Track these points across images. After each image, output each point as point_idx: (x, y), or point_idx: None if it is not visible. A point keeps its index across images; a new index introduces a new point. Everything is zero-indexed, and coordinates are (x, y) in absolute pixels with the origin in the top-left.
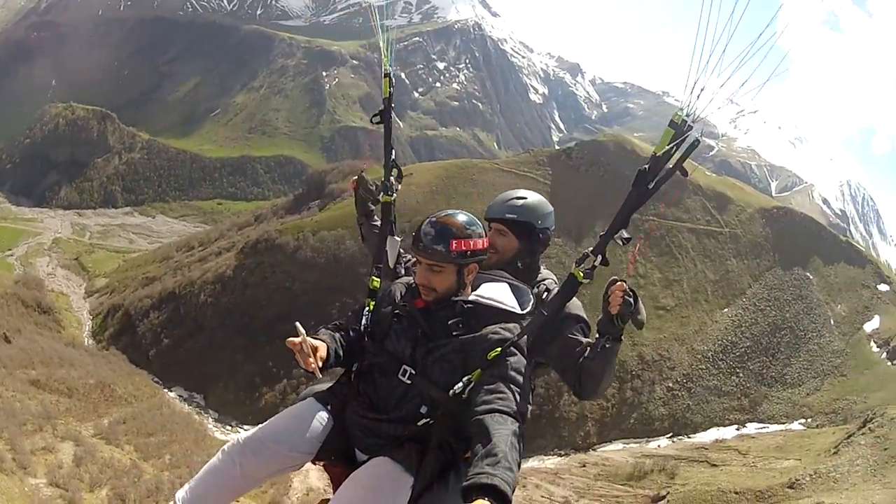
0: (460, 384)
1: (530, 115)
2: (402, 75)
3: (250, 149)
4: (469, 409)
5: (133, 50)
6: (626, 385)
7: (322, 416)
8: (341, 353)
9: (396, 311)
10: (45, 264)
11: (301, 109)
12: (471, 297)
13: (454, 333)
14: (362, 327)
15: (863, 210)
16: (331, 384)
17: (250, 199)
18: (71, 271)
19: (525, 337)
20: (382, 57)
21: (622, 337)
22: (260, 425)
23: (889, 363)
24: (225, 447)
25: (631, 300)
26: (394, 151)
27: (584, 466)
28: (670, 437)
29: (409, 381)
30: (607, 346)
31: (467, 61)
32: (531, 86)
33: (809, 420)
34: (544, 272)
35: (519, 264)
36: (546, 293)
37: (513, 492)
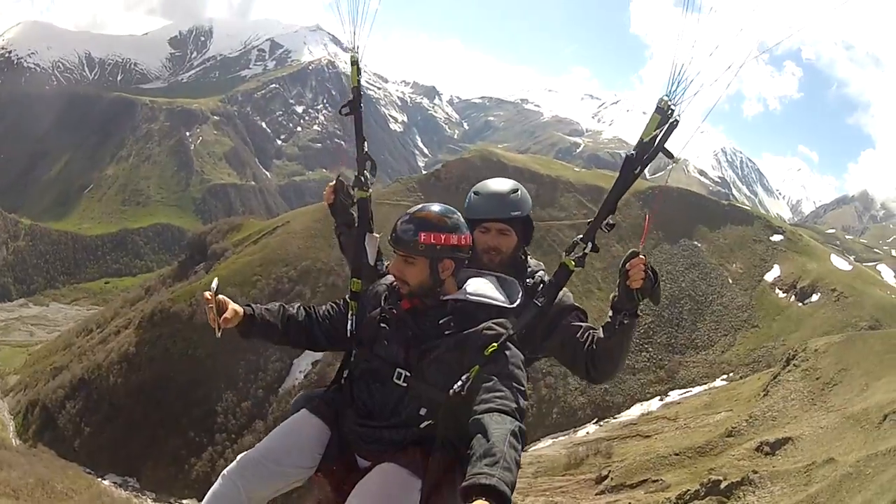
0: (459, 383)
1: (393, 144)
2: (263, 125)
3: (127, 221)
4: (469, 408)
5: (4, 130)
6: (540, 383)
7: (318, 428)
8: (279, 324)
9: (384, 315)
10: None
11: (170, 173)
12: (459, 296)
13: (446, 333)
14: (348, 332)
15: (743, 172)
16: (323, 391)
17: (135, 273)
18: None
19: (518, 330)
20: (351, 42)
21: (639, 312)
22: (259, 444)
23: (799, 304)
24: (225, 472)
25: (651, 273)
26: (366, 143)
27: (519, 468)
28: (596, 423)
29: (404, 385)
30: (626, 321)
31: (325, 101)
32: (390, 115)
33: (731, 374)
34: (532, 262)
35: (522, 256)
36: (541, 284)
37: (512, 491)
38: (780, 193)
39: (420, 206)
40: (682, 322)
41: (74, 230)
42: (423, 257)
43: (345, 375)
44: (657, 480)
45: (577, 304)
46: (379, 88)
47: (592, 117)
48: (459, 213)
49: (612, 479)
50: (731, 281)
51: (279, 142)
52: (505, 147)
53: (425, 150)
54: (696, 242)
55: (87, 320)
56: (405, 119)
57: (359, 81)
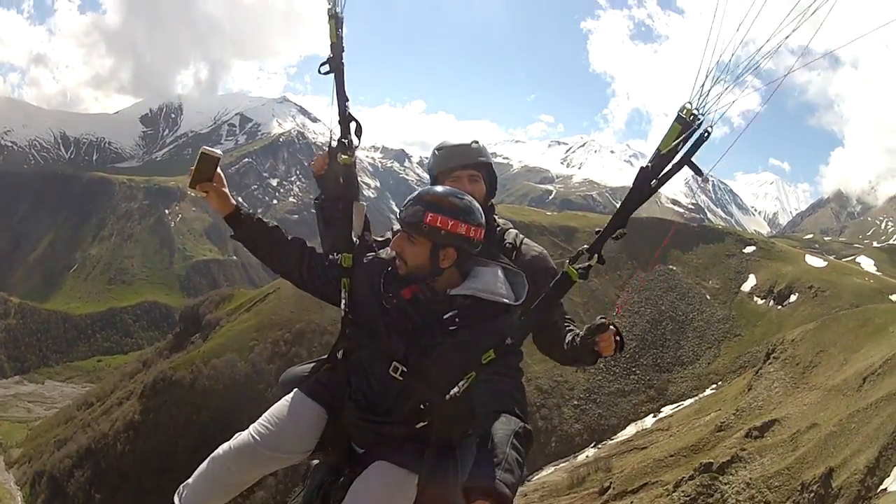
0: (456, 389)
1: (368, 211)
2: (240, 199)
3: (114, 300)
4: (468, 409)
5: None
6: (535, 415)
7: (317, 413)
8: (270, 232)
9: (383, 302)
10: None
11: (153, 251)
12: (465, 291)
13: (450, 328)
14: (343, 311)
15: (716, 196)
16: (312, 367)
17: (126, 350)
18: None
19: (516, 332)
20: None
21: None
22: (254, 426)
23: (778, 307)
24: (217, 454)
25: (620, 338)
26: (348, 104)
27: (524, 496)
28: (594, 446)
29: (400, 378)
30: (588, 361)
31: (298, 172)
32: (363, 182)
33: (721, 382)
34: (500, 220)
35: (490, 206)
36: (517, 241)
37: (514, 493)
38: (755, 210)
39: (440, 188)
40: (665, 342)
41: (63, 309)
42: (426, 239)
43: (339, 357)
44: (656, 482)
45: (552, 264)
46: None
47: (561, 162)
48: (477, 206)
49: (614, 488)
50: (708, 297)
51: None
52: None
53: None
54: (671, 266)
55: (86, 395)
56: (377, 185)
57: (338, 37)
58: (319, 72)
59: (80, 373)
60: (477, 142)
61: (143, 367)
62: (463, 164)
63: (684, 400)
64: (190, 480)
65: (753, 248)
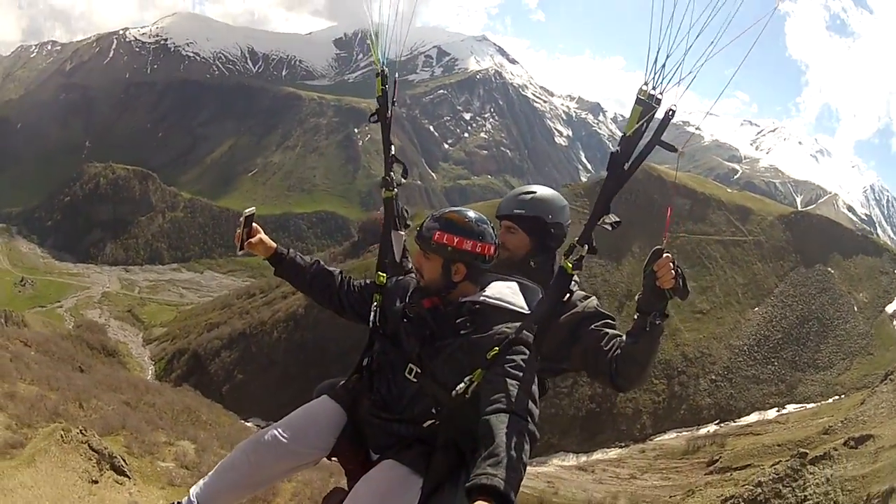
0: (462, 385)
1: (557, 158)
2: (431, 128)
3: (291, 206)
4: (474, 410)
5: (165, 112)
6: (674, 381)
7: (335, 413)
8: (307, 272)
9: (406, 311)
10: (96, 316)
11: (337, 166)
12: (476, 297)
13: (461, 332)
14: (370, 323)
15: (888, 212)
16: (344, 380)
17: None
18: (125, 322)
19: (528, 333)
20: (374, 54)
21: (668, 312)
22: (277, 423)
23: None
24: (240, 445)
25: (680, 271)
26: (393, 147)
27: (643, 452)
28: (718, 423)
29: (415, 380)
30: (656, 322)
31: (492, 110)
32: (555, 129)
33: (843, 396)
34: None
35: (532, 263)
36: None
37: (516, 492)
38: None
39: (456, 208)
40: (807, 342)
41: (236, 208)
42: (437, 255)
43: (364, 364)
44: (759, 465)
45: (603, 310)
46: (545, 101)
47: (751, 144)
48: (488, 230)
49: (720, 463)
50: (856, 309)
51: (446, 146)
52: (666, 167)
53: (588, 166)
54: (829, 269)
55: (249, 286)
56: (570, 134)
57: (383, 91)
58: (369, 120)
59: (243, 268)
60: (530, 193)
61: None
62: (499, 214)
63: (808, 403)
64: (211, 472)
65: None
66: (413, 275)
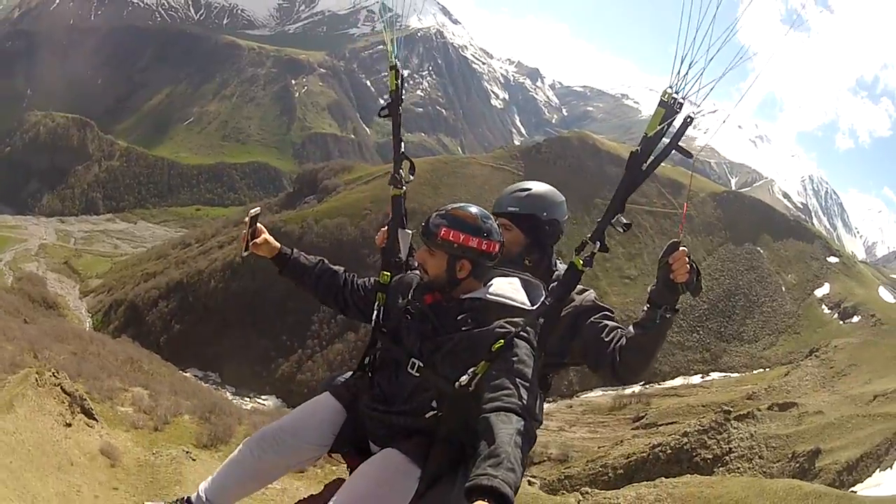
0: (466, 377)
1: (492, 119)
2: (368, 83)
3: (225, 156)
4: (476, 404)
5: (105, 58)
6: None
7: (336, 409)
8: (312, 272)
9: (408, 307)
10: (34, 269)
11: (272, 117)
12: (478, 294)
13: (462, 328)
14: (373, 321)
15: (826, 203)
16: (347, 376)
17: (227, 204)
18: (62, 274)
19: (531, 329)
20: (388, 49)
21: (678, 307)
22: (278, 420)
23: (840, 322)
24: (245, 440)
25: (695, 265)
26: (403, 144)
27: (570, 408)
28: (643, 385)
29: (417, 374)
30: (667, 315)
31: (430, 68)
32: (492, 91)
33: (767, 369)
34: (561, 268)
35: (527, 261)
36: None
37: (515, 492)
38: (857, 231)
39: (460, 204)
40: (733, 315)
41: (171, 157)
42: (442, 251)
43: (367, 361)
44: (684, 423)
45: (601, 302)
46: (483, 63)
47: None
48: (494, 227)
49: (646, 419)
50: (784, 289)
51: (382, 101)
52: (601, 138)
53: (522, 130)
54: (759, 248)
55: (184, 236)
56: (506, 97)
57: (397, 86)
58: (379, 115)
59: (177, 218)
60: (525, 190)
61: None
62: (494, 212)
63: (732, 373)
64: (219, 468)
65: (837, 259)
66: (416, 272)
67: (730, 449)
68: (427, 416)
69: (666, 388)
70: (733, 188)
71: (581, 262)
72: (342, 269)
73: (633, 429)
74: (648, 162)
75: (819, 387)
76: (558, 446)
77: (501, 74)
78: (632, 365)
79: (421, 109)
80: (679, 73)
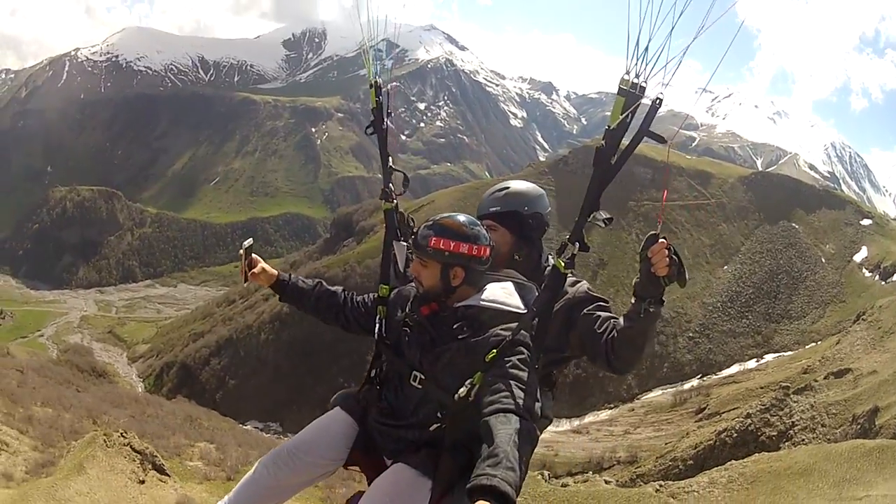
0: (464, 388)
1: (514, 139)
2: (387, 121)
3: (256, 211)
4: (477, 411)
5: (122, 129)
6: (654, 340)
7: (348, 423)
8: (311, 294)
9: (406, 320)
10: (78, 340)
11: (297, 167)
12: (471, 302)
13: (460, 337)
14: (376, 335)
15: (851, 168)
16: (357, 390)
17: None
18: (107, 343)
19: (526, 332)
20: (367, 68)
21: (664, 299)
22: (293, 437)
23: (882, 282)
24: (261, 459)
25: (676, 257)
26: (391, 159)
27: (632, 410)
28: (700, 378)
29: (419, 386)
30: (651, 309)
31: (446, 98)
32: (510, 111)
33: (819, 342)
34: (552, 261)
35: (516, 257)
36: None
37: (516, 491)
38: (886, 190)
39: (447, 214)
40: (779, 294)
41: (203, 219)
42: (434, 261)
43: (373, 375)
44: (745, 407)
45: (594, 292)
46: (497, 85)
47: (706, 111)
48: (482, 232)
49: (709, 409)
50: (824, 260)
51: (403, 137)
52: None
53: (545, 145)
54: (794, 224)
55: (227, 293)
56: (524, 115)
57: (378, 103)
58: (366, 132)
59: (216, 277)
60: (504, 189)
61: (291, 269)
62: (478, 215)
63: (785, 352)
64: (235, 487)
65: (870, 221)
66: (412, 285)
67: (793, 423)
68: (433, 428)
69: (723, 378)
70: (759, 168)
71: (563, 263)
72: (340, 288)
73: (696, 421)
74: (618, 155)
75: (870, 349)
76: (625, 449)
77: (516, 93)
78: (623, 358)
79: (443, 140)
80: (636, 55)
